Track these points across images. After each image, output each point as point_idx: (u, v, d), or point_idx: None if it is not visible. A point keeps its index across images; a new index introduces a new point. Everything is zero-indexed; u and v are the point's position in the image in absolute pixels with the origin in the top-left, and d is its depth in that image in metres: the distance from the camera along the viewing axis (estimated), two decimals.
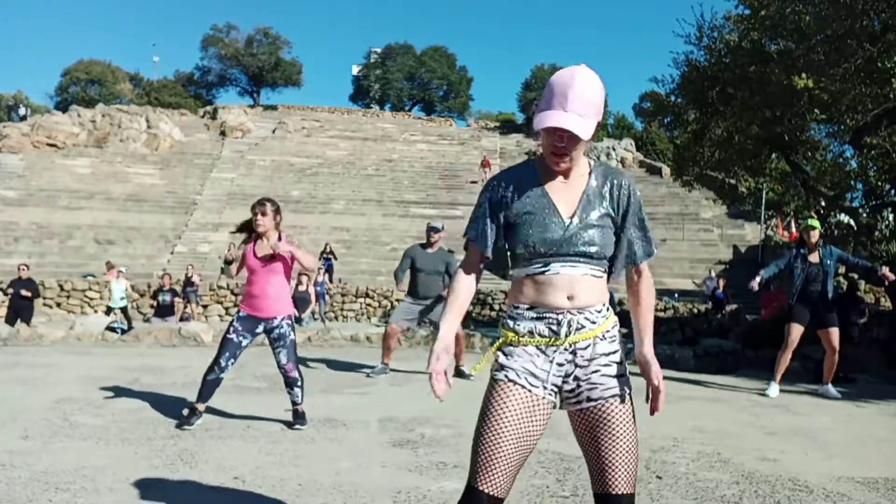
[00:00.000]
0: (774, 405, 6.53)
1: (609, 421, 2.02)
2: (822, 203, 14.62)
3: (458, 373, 7.59)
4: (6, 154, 31.72)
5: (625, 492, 2.00)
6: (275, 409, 5.44)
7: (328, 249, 22.15)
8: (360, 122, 46.92)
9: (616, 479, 2.00)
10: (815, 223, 7.33)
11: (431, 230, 7.82)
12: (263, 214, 5.00)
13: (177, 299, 16.56)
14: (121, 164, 32.70)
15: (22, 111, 43.03)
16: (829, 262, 7.16)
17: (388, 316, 20.70)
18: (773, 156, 14.40)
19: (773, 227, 24.49)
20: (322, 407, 5.58)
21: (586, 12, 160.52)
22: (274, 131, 40.66)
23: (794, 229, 22.97)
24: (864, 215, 14.50)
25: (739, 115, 11.93)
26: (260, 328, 4.98)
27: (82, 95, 50.44)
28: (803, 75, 10.01)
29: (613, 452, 2.01)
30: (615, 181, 2.10)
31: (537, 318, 2.03)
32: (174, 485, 3.57)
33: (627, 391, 2.06)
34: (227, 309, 20.01)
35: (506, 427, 1.95)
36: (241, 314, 5.01)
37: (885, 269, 7.18)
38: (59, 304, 18.96)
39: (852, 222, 15.43)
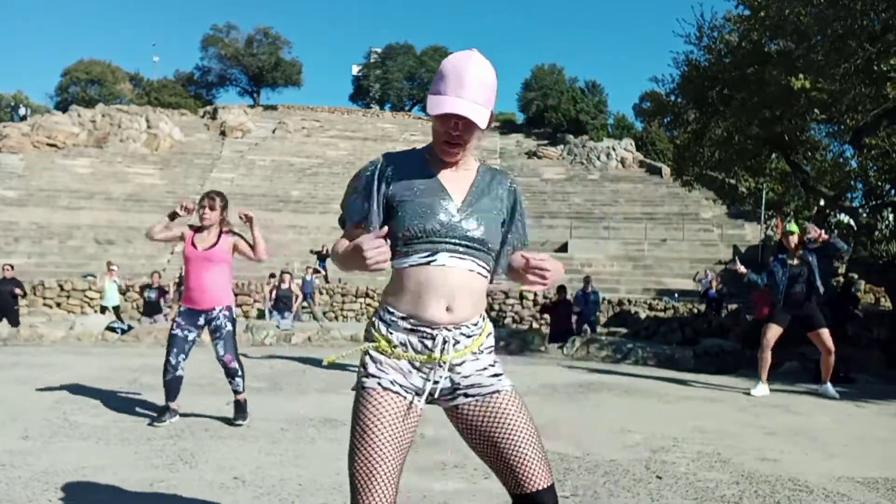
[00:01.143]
0: (774, 405, 6.53)
1: (500, 415, 1.91)
2: (822, 203, 14.62)
3: None
4: (6, 154, 31.71)
5: (545, 485, 1.87)
6: (275, 409, 5.44)
7: (325, 251, 22.07)
8: (360, 122, 46.92)
9: (531, 475, 1.87)
10: (794, 228, 7.46)
11: None
12: (212, 209, 5.02)
13: (166, 297, 16.48)
14: (121, 164, 32.69)
15: (22, 111, 43.02)
16: (810, 258, 7.23)
17: None
18: (773, 156, 14.39)
19: (773, 227, 24.48)
20: (322, 407, 5.58)
21: (586, 12, 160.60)
22: (274, 131, 40.66)
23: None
24: (864, 215, 14.50)
25: (739, 116, 11.93)
26: (201, 320, 5.00)
27: (82, 95, 50.34)
28: (801, 76, 10.01)
29: (517, 447, 1.89)
30: (504, 180, 2.07)
31: (411, 330, 1.90)
32: (174, 485, 3.57)
33: (510, 385, 1.96)
34: None
35: (384, 438, 1.83)
36: (182, 309, 5.05)
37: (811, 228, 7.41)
38: (59, 304, 18.95)
39: (852, 222, 15.43)
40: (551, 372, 8.40)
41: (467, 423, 1.95)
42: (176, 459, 4.04)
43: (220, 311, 5.00)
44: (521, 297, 20.95)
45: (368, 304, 20.91)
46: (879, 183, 13.17)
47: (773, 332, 7.23)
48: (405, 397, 1.88)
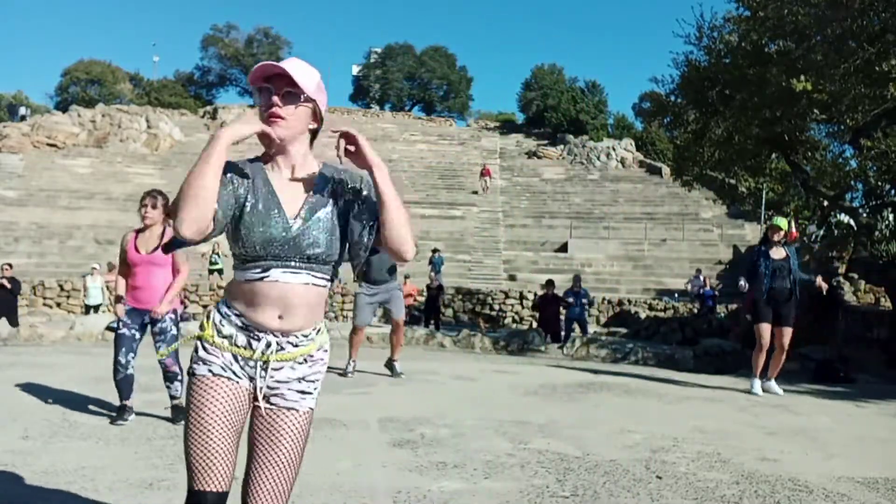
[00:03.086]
0: (774, 405, 6.53)
1: (278, 430, 1.93)
2: (825, 203, 14.60)
3: (390, 366, 7.55)
4: (6, 154, 31.71)
5: None
6: None
7: None
8: (360, 122, 46.90)
9: (262, 494, 1.91)
10: (781, 223, 7.44)
11: None
12: (154, 207, 4.99)
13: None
14: (121, 164, 32.70)
15: (22, 111, 43.00)
16: (793, 259, 7.29)
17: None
18: (773, 156, 14.39)
19: None
20: (322, 407, 5.57)
21: (586, 12, 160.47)
22: None
23: (794, 229, 22.97)
24: (864, 215, 14.49)
25: (739, 116, 11.92)
26: (146, 318, 4.99)
27: (82, 95, 50.36)
28: (802, 77, 10.01)
29: (269, 463, 1.92)
30: (343, 177, 2.01)
31: (241, 328, 1.92)
32: (174, 485, 3.57)
33: (309, 409, 1.97)
34: None
35: (216, 423, 1.86)
36: (127, 308, 5.01)
37: (819, 280, 7.45)
38: (59, 304, 18.96)
39: (852, 222, 15.42)
40: (551, 372, 8.40)
41: (256, 425, 1.97)
42: (176, 459, 4.03)
43: (167, 314, 4.98)
44: (521, 297, 20.96)
45: None
46: (879, 183, 13.16)
47: (766, 331, 7.21)
48: (237, 381, 1.91)
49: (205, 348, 1.93)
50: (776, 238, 7.30)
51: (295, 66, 1.90)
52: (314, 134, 2.04)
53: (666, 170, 32.78)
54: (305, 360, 1.97)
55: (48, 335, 10.60)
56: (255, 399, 1.95)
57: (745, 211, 24.10)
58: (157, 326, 4.98)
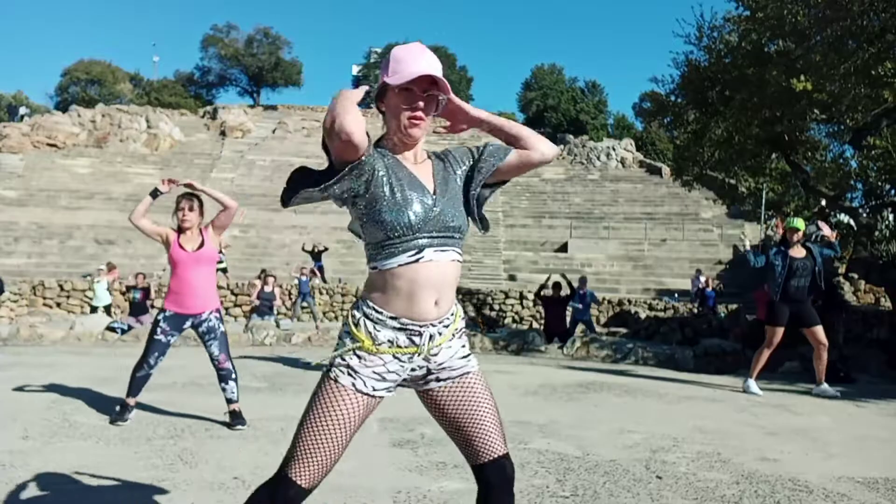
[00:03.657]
0: (774, 405, 6.53)
1: (467, 394, 2.03)
2: (823, 203, 14.61)
3: None
4: (6, 154, 31.71)
5: (500, 453, 2.00)
6: (275, 409, 5.44)
7: (315, 250, 21.79)
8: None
9: (491, 443, 2.00)
10: (799, 224, 7.39)
11: None
12: (191, 210, 4.97)
13: (150, 296, 16.42)
14: (121, 164, 32.69)
15: (23, 111, 42.99)
16: (812, 262, 7.23)
17: None
18: (773, 156, 14.39)
19: (773, 227, 24.47)
20: None
21: (586, 12, 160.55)
22: (274, 131, 40.66)
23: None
24: (864, 215, 14.50)
25: (739, 116, 11.92)
26: (187, 324, 4.92)
27: (82, 95, 50.40)
28: (802, 77, 10.00)
29: (479, 420, 2.01)
30: (454, 154, 2.15)
31: (400, 329, 1.95)
32: (174, 485, 3.57)
33: (476, 365, 2.08)
34: (227, 309, 20.00)
35: (340, 434, 1.92)
36: (167, 314, 4.89)
37: (823, 226, 7.38)
38: (59, 304, 18.95)
39: (852, 222, 15.43)
40: (551, 372, 8.40)
41: (437, 405, 2.06)
42: (176, 459, 4.04)
43: (211, 313, 4.94)
44: (521, 297, 20.92)
45: None
46: (879, 183, 13.18)
47: (779, 333, 7.16)
48: (374, 396, 1.96)
49: (359, 357, 1.95)
50: (795, 239, 7.28)
51: (436, 67, 1.96)
52: None
53: (666, 170, 32.80)
54: (453, 336, 2.05)
55: (48, 335, 10.60)
56: (431, 381, 2.04)
57: (745, 211, 24.09)
58: (204, 326, 4.91)
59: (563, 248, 25.85)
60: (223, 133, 39.62)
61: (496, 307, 19.26)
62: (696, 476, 3.99)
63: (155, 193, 4.98)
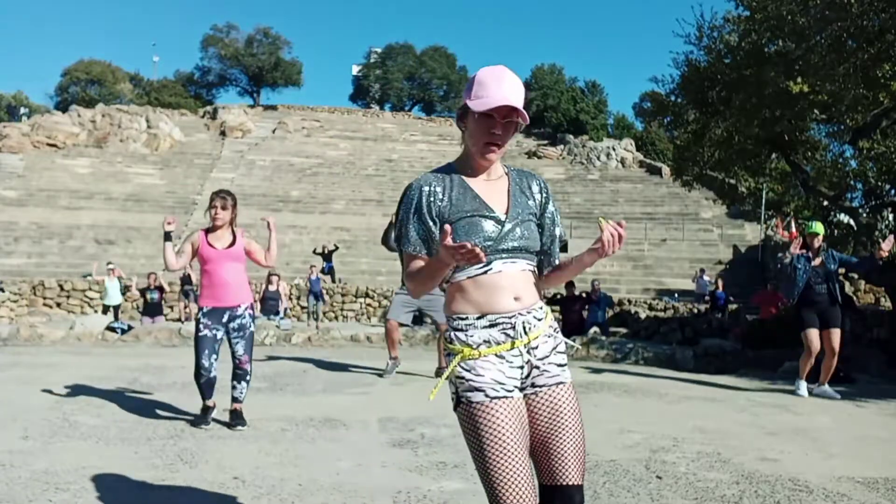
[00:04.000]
0: (774, 405, 6.53)
1: (556, 409, 2.00)
2: (825, 203, 14.61)
3: (440, 374, 7.50)
4: (6, 154, 31.71)
5: (577, 482, 1.95)
6: (275, 409, 5.44)
7: (324, 250, 21.88)
8: (360, 122, 46.93)
9: (568, 470, 1.95)
10: (819, 229, 7.39)
11: None
12: (224, 208, 5.00)
13: (165, 296, 16.46)
14: (121, 164, 32.69)
15: (23, 111, 42.98)
16: (831, 266, 7.23)
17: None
18: (773, 156, 14.39)
19: (773, 227, 24.48)
20: (322, 407, 5.58)
21: (586, 12, 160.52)
22: (274, 131, 40.66)
23: (793, 229, 22.95)
24: (864, 215, 14.50)
25: (738, 116, 11.93)
26: (226, 317, 4.94)
27: (82, 95, 50.38)
28: (799, 80, 10.00)
29: (563, 442, 1.97)
30: (531, 180, 2.15)
31: (490, 326, 1.98)
32: (174, 485, 3.57)
33: (569, 377, 2.07)
34: None
35: (513, 447, 1.89)
36: (205, 309, 4.94)
37: (884, 244, 7.16)
38: (59, 304, 18.95)
39: (852, 222, 15.42)
40: None
41: (529, 412, 2.01)
42: (176, 459, 4.04)
43: (245, 308, 4.97)
44: None
45: (368, 304, 20.87)
46: (879, 183, 13.17)
47: (814, 335, 7.11)
48: (511, 397, 1.95)
49: (467, 369, 1.97)
50: (816, 244, 7.24)
51: (518, 94, 1.99)
52: None
53: (666, 170, 32.78)
54: (550, 335, 2.07)
55: (48, 335, 10.60)
56: (528, 386, 2.02)
57: (745, 211, 24.11)
58: (237, 322, 4.94)
59: (564, 247, 25.71)
60: (223, 133, 39.62)
61: None
62: (696, 476, 3.99)
63: (168, 237, 5.01)
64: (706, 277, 19.82)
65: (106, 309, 16.51)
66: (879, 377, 9.07)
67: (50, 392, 5.92)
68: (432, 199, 2.02)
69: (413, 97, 61.05)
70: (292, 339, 11.40)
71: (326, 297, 18.94)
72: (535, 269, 2.09)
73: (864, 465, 4.38)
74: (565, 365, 2.07)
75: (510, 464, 1.88)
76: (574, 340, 11.90)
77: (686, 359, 9.90)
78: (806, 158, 14.27)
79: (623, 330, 15.86)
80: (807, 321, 7.17)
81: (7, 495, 3.34)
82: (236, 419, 4.89)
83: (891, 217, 14.63)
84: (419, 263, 2.01)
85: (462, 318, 2.00)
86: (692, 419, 5.62)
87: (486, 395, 1.93)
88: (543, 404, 2.00)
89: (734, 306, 17.53)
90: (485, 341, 1.97)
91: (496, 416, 1.91)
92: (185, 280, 17.74)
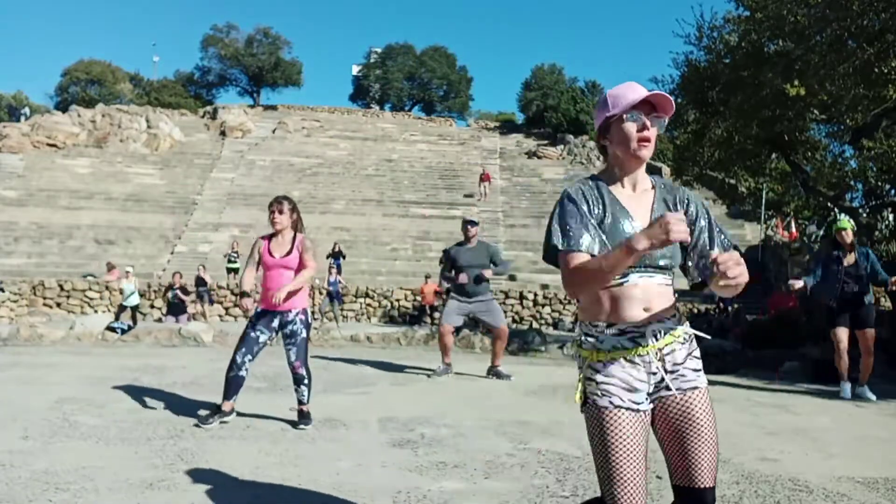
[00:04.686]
0: (774, 405, 6.53)
1: (691, 413, 2.04)
2: (829, 203, 14.61)
3: (496, 373, 7.50)
4: (6, 154, 31.72)
5: (709, 485, 2.03)
6: (275, 409, 5.44)
7: (337, 248, 22.02)
8: (360, 122, 46.91)
9: (701, 473, 2.02)
10: (846, 224, 7.21)
11: (468, 224, 7.55)
12: (280, 213, 5.06)
13: (188, 297, 16.55)
14: (121, 164, 32.70)
15: (23, 111, 42.95)
16: (864, 263, 7.09)
17: (388, 316, 20.75)
18: (773, 156, 14.40)
19: (773, 227, 24.49)
20: (322, 407, 5.58)
21: (586, 12, 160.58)
22: (274, 131, 40.66)
23: (793, 229, 22.97)
24: (864, 215, 14.50)
25: (738, 117, 11.93)
26: (276, 322, 5.02)
27: (82, 95, 50.40)
28: (796, 83, 10.00)
29: (698, 445, 2.02)
30: (679, 195, 2.16)
31: (619, 334, 2.03)
32: (174, 485, 3.57)
33: (705, 383, 2.11)
34: (227, 309, 20.01)
35: (632, 456, 1.99)
36: (258, 310, 5.07)
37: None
38: (59, 304, 18.97)
39: (852, 222, 15.42)
40: (551, 372, 8.40)
41: (664, 414, 2.07)
42: (176, 459, 4.04)
43: (297, 314, 5.01)
44: (521, 296, 20.94)
45: (368, 305, 20.90)
46: (879, 183, 13.18)
47: (843, 335, 7.05)
48: (637, 410, 2.02)
49: (598, 370, 2.03)
50: (847, 240, 7.10)
51: (659, 92, 2.06)
52: None
53: (666, 170, 32.74)
54: (684, 341, 2.10)
55: (48, 335, 10.60)
56: (662, 389, 2.05)
57: (745, 211, 24.10)
58: (288, 328, 5.00)
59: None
60: (223, 133, 39.62)
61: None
62: None
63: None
64: None
65: (123, 308, 16.41)
66: (879, 377, 9.06)
67: (50, 392, 5.92)
68: (590, 201, 2.06)
69: (413, 97, 61.05)
70: None
71: (316, 295, 18.96)
72: (672, 282, 2.10)
73: (864, 465, 4.38)
74: (700, 370, 2.12)
75: (628, 469, 1.98)
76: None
77: None
78: (806, 158, 14.28)
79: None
80: (837, 320, 7.08)
81: (7, 495, 3.34)
82: (302, 418, 4.99)
83: (891, 217, 14.64)
84: (590, 260, 1.98)
85: (593, 326, 2.06)
86: None
87: (612, 403, 2.00)
88: (678, 407, 2.05)
89: (735, 306, 17.54)
90: (613, 346, 2.03)
91: (618, 424, 2.00)
92: (199, 282, 17.77)
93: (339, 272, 20.87)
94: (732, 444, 4.77)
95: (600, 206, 2.06)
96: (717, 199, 23.95)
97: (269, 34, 56.61)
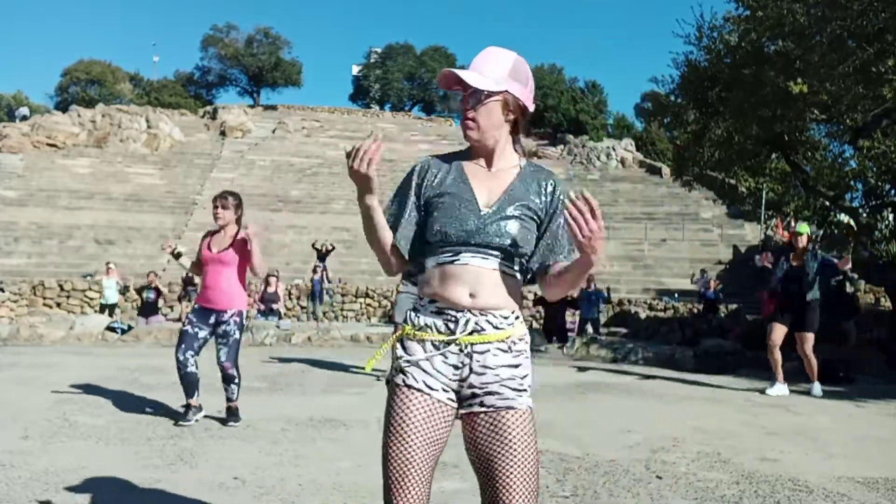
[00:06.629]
0: (774, 405, 6.53)
1: (504, 434, 1.86)
2: (827, 203, 14.61)
3: None
4: (6, 154, 31.70)
5: None
6: (275, 409, 5.44)
7: (324, 249, 21.82)
8: (360, 122, 46.90)
9: (510, 499, 1.81)
10: (804, 229, 7.49)
11: None
12: (224, 208, 5.06)
13: (164, 296, 16.45)
14: (121, 164, 32.68)
15: (24, 111, 42.94)
16: (811, 264, 7.28)
17: (388, 316, 20.74)
18: (773, 156, 14.38)
19: (773, 227, 24.48)
20: (322, 407, 5.58)
21: (586, 12, 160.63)
22: (274, 131, 40.65)
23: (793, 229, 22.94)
24: (864, 215, 14.50)
25: (738, 116, 11.93)
26: (212, 319, 5.00)
27: (82, 95, 50.38)
28: (799, 80, 9.99)
29: (509, 469, 1.83)
30: (547, 181, 1.99)
31: (436, 313, 1.90)
32: (174, 485, 3.57)
33: (528, 407, 1.92)
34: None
35: (412, 436, 1.85)
36: (195, 307, 5.09)
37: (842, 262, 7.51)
38: (59, 304, 18.96)
39: (852, 222, 15.43)
40: (551, 372, 8.40)
41: (473, 433, 1.92)
42: (176, 459, 4.04)
43: (232, 315, 5.00)
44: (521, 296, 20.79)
45: (368, 304, 20.88)
46: (879, 183, 13.17)
47: (778, 331, 7.29)
48: (430, 395, 1.89)
49: (404, 347, 1.93)
50: (799, 245, 7.35)
51: (476, 64, 1.93)
52: (515, 124, 1.99)
53: (666, 170, 32.76)
54: (509, 349, 1.94)
55: (48, 335, 10.60)
56: (476, 405, 1.91)
57: (745, 211, 24.09)
58: (221, 328, 4.99)
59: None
60: (223, 133, 39.60)
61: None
62: (696, 476, 3.99)
63: (176, 255, 5.17)
64: (706, 277, 19.80)
65: (103, 308, 16.51)
66: (879, 377, 9.07)
67: (50, 392, 5.92)
68: (423, 177, 2.00)
69: (413, 97, 61.05)
70: (292, 340, 11.40)
71: (326, 297, 18.92)
72: (516, 272, 1.94)
73: (864, 465, 4.38)
74: (525, 390, 1.93)
75: (404, 451, 1.86)
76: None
77: (686, 359, 9.90)
78: (806, 158, 14.27)
79: (623, 330, 15.87)
80: (776, 315, 7.40)
81: (7, 495, 3.34)
82: (230, 415, 5.00)
83: (891, 217, 14.64)
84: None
85: (420, 299, 1.97)
86: (692, 419, 5.63)
87: (405, 382, 1.89)
88: (488, 426, 1.88)
89: (734, 306, 17.52)
90: (426, 325, 1.91)
91: (405, 403, 1.88)
92: (188, 281, 17.73)
93: (325, 271, 20.73)
94: (732, 444, 4.77)
95: (441, 180, 1.96)
96: (717, 199, 23.96)
97: (269, 34, 56.62)
